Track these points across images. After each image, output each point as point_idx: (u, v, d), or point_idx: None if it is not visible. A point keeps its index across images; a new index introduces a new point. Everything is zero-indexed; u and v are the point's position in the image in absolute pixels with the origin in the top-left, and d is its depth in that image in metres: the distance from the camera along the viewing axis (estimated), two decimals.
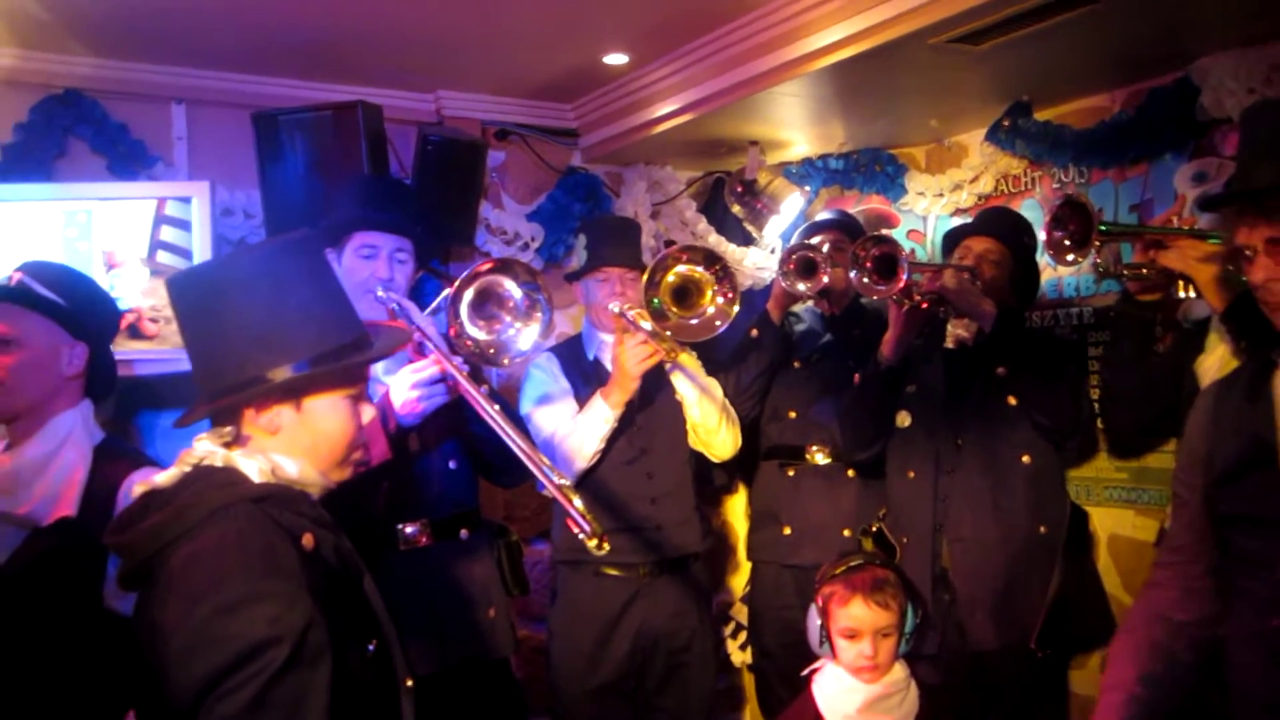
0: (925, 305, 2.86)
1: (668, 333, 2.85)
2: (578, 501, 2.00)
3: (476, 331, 2.65)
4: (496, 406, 2.28)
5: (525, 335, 2.67)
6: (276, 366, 1.58)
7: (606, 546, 1.99)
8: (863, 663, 2.41)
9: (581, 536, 1.99)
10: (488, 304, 2.68)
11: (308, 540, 1.53)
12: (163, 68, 3.35)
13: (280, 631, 1.38)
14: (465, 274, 2.62)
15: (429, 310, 2.76)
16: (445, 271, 3.67)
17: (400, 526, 2.67)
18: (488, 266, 2.67)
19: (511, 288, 2.66)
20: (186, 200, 3.16)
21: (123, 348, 3.01)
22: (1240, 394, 1.82)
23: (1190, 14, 2.64)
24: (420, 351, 2.54)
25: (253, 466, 1.56)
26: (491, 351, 2.65)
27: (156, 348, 3.19)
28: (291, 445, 1.63)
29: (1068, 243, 2.66)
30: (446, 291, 2.65)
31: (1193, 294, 2.52)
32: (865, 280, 2.83)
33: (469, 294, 2.62)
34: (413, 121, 3.66)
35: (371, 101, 3.36)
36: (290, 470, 1.61)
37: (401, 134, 3.58)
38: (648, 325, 2.86)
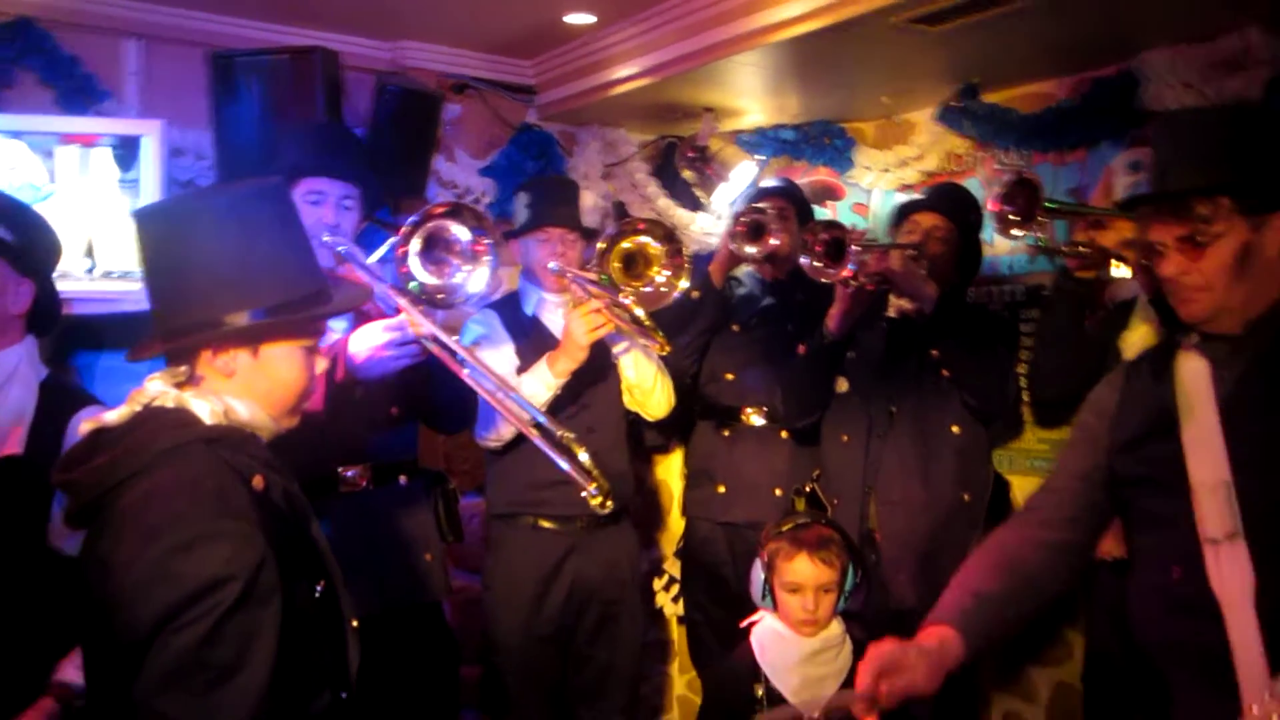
0: (871, 288, 2.96)
1: (632, 304, 2.89)
2: (584, 456, 2.02)
3: (426, 275, 2.67)
4: (467, 369, 2.32)
5: (475, 278, 2.68)
6: (236, 311, 1.58)
7: (610, 504, 2.03)
8: (803, 616, 2.50)
9: (587, 495, 2.02)
10: (435, 249, 2.69)
11: (258, 482, 1.55)
12: (118, 1, 3.29)
13: (234, 569, 1.41)
14: (413, 218, 2.63)
15: (376, 256, 2.78)
16: (393, 222, 3.67)
17: (341, 470, 2.71)
18: (438, 210, 2.68)
19: (459, 232, 2.67)
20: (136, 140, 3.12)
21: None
22: (1146, 372, 1.96)
23: (1136, 9, 2.77)
24: (371, 299, 2.57)
25: (205, 408, 1.58)
26: (440, 296, 2.68)
27: (97, 288, 3.16)
28: (245, 389, 1.63)
29: (1013, 217, 2.79)
30: (394, 238, 2.67)
31: (1126, 272, 2.65)
32: (815, 264, 2.91)
33: (417, 238, 2.65)
34: (370, 69, 3.65)
35: (330, 48, 3.35)
36: (242, 413, 1.62)
37: (358, 81, 3.57)
38: (591, 277, 2.91)
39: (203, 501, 1.46)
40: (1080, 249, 2.71)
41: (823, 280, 2.94)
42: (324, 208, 2.75)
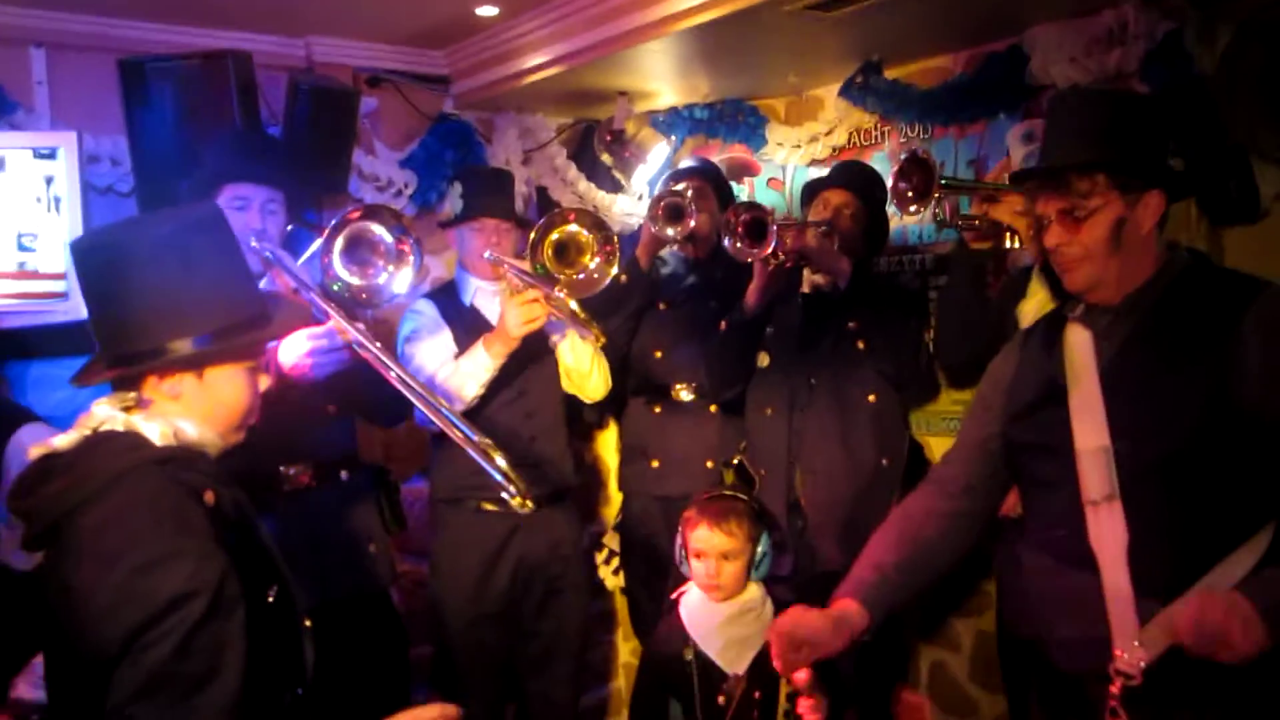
0: (789, 264, 3.07)
1: (558, 290, 2.95)
2: (501, 460, 2.10)
3: (350, 277, 2.73)
4: (394, 372, 2.38)
5: (399, 278, 2.76)
6: (180, 337, 1.64)
7: (530, 504, 2.12)
8: (706, 580, 2.65)
9: (507, 496, 2.11)
10: (358, 249, 2.75)
11: (209, 497, 1.61)
12: (19, 9, 3.24)
13: (197, 585, 1.47)
14: (334, 221, 2.68)
15: (302, 259, 2.83)
16: (318, 223, 3.69)
17: (283, 470, 2.78)
18: (357, 214, 2.74)
19: (381, 232, 2.74)
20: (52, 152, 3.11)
21: None
22: (1038, 343, 2.09)
23: None
24: (298, 297, 2.61)
25: (154, 430, 1.63)
26: (364, 296, 2.75)
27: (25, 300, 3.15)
28: (192, 410, 1.69)
29: (911, 194, 2.92)
30: (319, 241, 2.71)
31: (1019, 244, 2.79)
32: (738, 244, 3.03)
33: (340, 240, 2.70)
34: (283, 67, 3.63)
35: (241, 48, 3.33)
36: (191, 433, 1.67)
37: (271, 80, 3.55)
38: (526, 268, 2.99)
39: (161, 521, 1.52)
40: (975, 223, 2.85)
41: (746, 260, 3.05)
42: (249, 213, 2.79)
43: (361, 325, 2.51)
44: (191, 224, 1.70)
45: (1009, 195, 2.76)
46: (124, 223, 1.87)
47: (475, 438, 2.17)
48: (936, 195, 2.89)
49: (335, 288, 2.70)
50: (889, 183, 2.95)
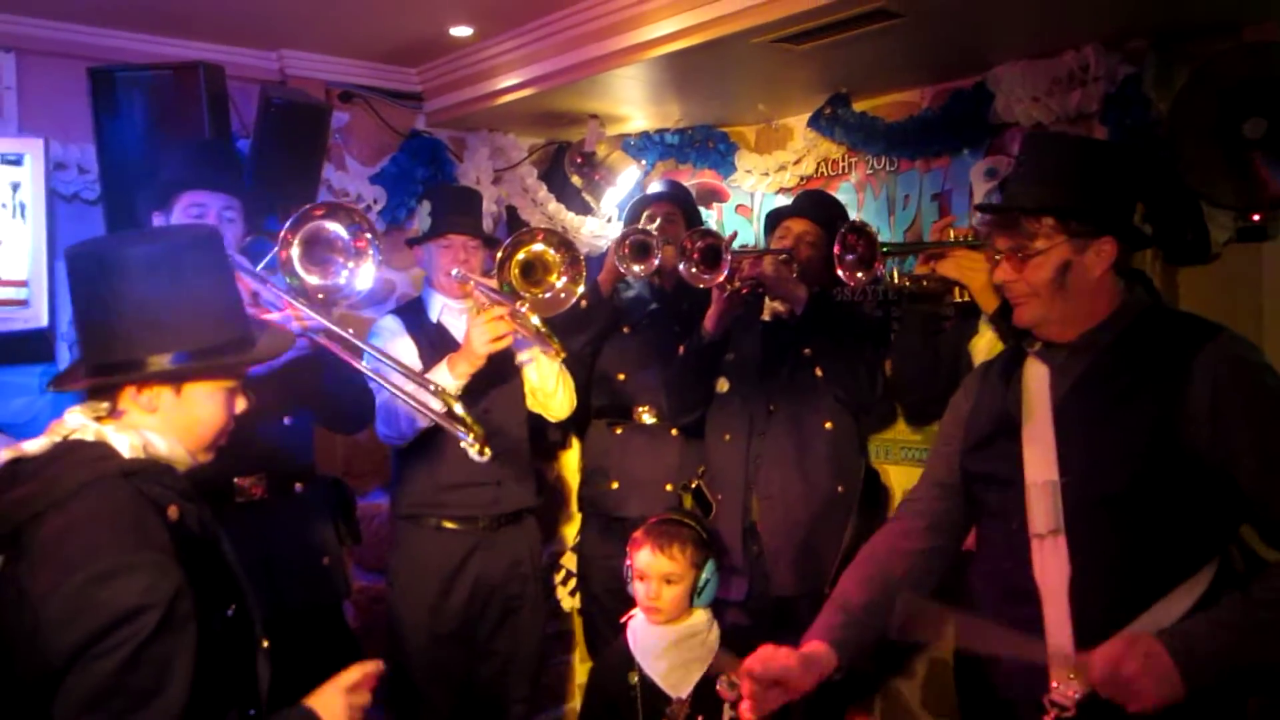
0: (745, 290, 3.11)
1: (521, 306, 2.97)
2: (458, 408, 2.10)
3: (311, 278, 2.73)
4: (363, 345, 2.40)
5: (362, 273, 2.76)
6: (161, 352, 1.65)
7: (489, 452, 2.11)
8: (646, 602, 2.68)
9: (464, 444, 2.10)
10: (316, 249, 2.75)
11: (173, 512, 1.62)
12: None
13: (152, 599, 1.48)
14: (288, 224, 2.68)
15: (261, 265, 2.83)
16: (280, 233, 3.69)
17: (236, 481, 2.77)
18: (315, 213, 2.74)
19: (337, 229, 2.75)
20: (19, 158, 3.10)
21: None
22: (996, 376, 2.14)
23: (986, 29, 2.93)
24: (257, 303, 2.61)
25: (124, 441, 1.65)
26: (321, 296, 2.73)
27: None
28: (166, 425, 1.71)
29: (855, 261, 2.99)
30: (278, 247, 2.71)
31: (967, 298, 2.84)
32: (692, 270, 3.07)
33: (296, 242, 2.69)
34: (255, 80, 3.64)
35: (213, 59, 3.34)
36: (161, 448, 1.69)
37: (243, 92, 3.56)
38: (493, 285, 3.00)
39: (121, 534, 1.53)
40: (924, 283, 2.92)
41: (699, 285, 3.09)
42: (206, 219, 2.80)
43: (317, 308, 2.52)
44: (187, 243, 1.73)
45: (954, 251, 2.81)
46: (121, 235, 1.88)
47: (432, 385, 2.17)
48: (880, 264, 2.98)
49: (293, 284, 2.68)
50: (835, 247, 2.99)
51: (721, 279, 3.03)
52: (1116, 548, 1.85)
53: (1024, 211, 1.94)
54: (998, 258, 2.00)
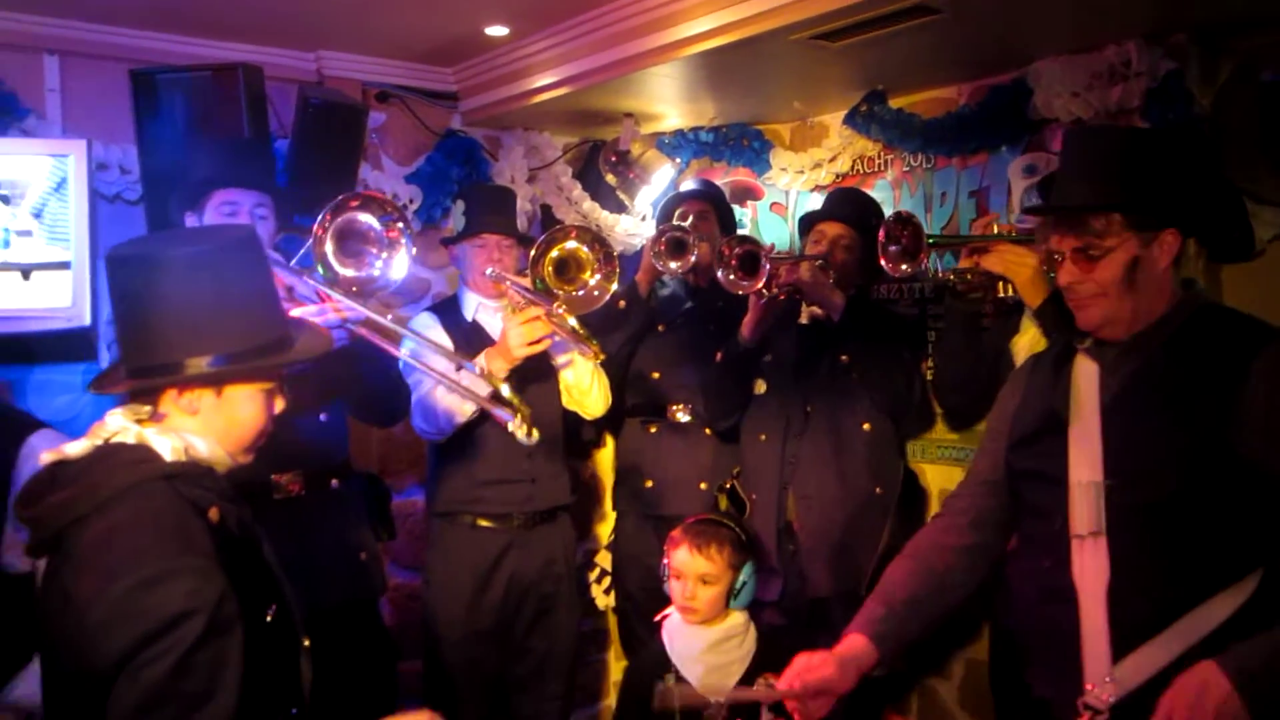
0: (783, 297, 3.10)
1: (557, 306, 2.97)
2: (505, 389, 2.07)
3: (346, 270, 2.73)
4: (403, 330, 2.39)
5: (396, 263, 2.76)
6: (200, 355, 1.65)
7: (536, 434, 2.08)
8: (682, 602, 2.67)
9: (512, 428, 2.07)
10: (350, 241, 2.76)
11: (214, 514, 1.62)
12: (34, 17, 3.28)
13: (197, 604, 1.48)
14: (319, 218, 2.69)
15: (294, 261, 2.85)
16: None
17: (274, 477, 2.80)
18: (349, 204, 2.74)
19: (369, 220, 2.75)
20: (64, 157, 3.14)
21: None
22: (1046, 371, 2.10)
23: (1025, 24, 2.89)
24: (292, 297, 2.63)
25: (166, 444, 1.64)
26: (354, 289, 2.73)
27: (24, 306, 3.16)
28: (206, 427, 1.71)
29: (901, 253, 2.95)
30: (310, 241, 2.73)
31: (1011, 293, 2.81)
32: (730, 277, 3.07)
33: (329, 237, 2.70)
34: (293, 80, 3.66)
35: (252, 61, 3.37)
36: (202, 450, 1.69)
37: (281, 92, 3.59)
38: (527, 285, 3.00)
39: (164, 539, 1.53)
40: (968, 276, 2.88)
41: (738, 293, 3.08)
42: (238, 219, 2.82)
43: (354, 296, 2.52)
44: (227, 244, 1.72)
45: (998, 245, 2.77)
46: (161, 236, 1.88)
47: (478, 368, 2.13)
48: (925, 254, 2.94)
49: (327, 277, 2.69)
50: (880, 236, 2.96)
51: (760, 286, 3.02)
52: (1158, 553, 1.81)
53: (1094, 210, 1.89)
54: (1058, 259, 1.95)
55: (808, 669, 1.96)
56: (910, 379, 3.13)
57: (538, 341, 2.97)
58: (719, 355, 3.27)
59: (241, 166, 2.93)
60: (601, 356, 3.11)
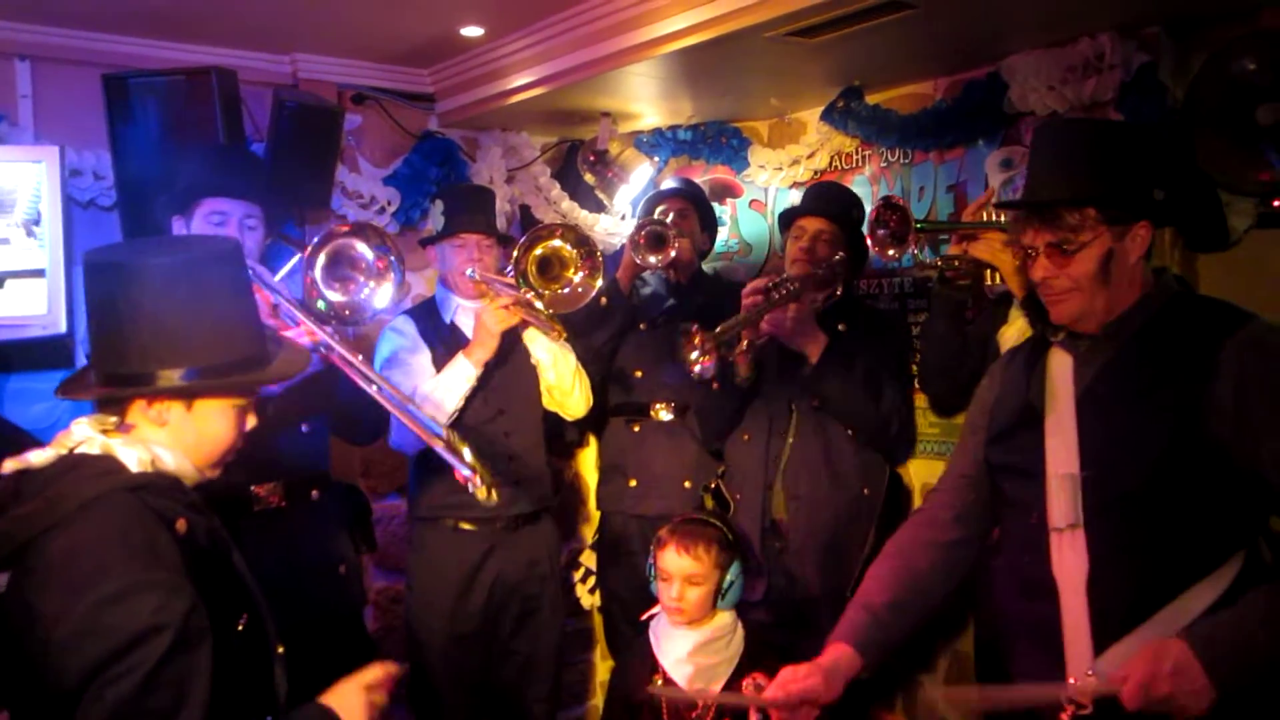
0: (763, 340, 3.07)
1: (533, 298, 2.97)
2: (467, 453, 2.07)
3: (332, 293, 2.75)
4: (372, 374, 2.38)
5: (380, 294, 2.79)
6: (173, 367, 1.63)
7: (495, 495, 2.11)
8: (669, 604, 2.66)
9: (472, 488, 2.09)
10: (340, 265, 2.78)
11: (181, 525, 1.60)
12: (5, 23, 3.24)
13: (164, 619, 1.46)
14: (317, 239, 2.72)
15: (281, 274, 2.84)
16: (299, 238, 3.70)
17: (254, 489, 2.77)
18: (342, 230, 2.78)
19: (363, 249, 2.78)
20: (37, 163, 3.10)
21: None
22: (1021, 365, 2.10)
23: (1000, 18, 2.89)
24: (276, 315, 2.62)
25: (132, 456, 1.62)
26: (347, 312, 2.77)
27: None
28: (175, 439, 1.69)
29: (889, 238, 2.96)
30: (298, 256, 2.73)
31: (999, 281, 2.81)
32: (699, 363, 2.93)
33: (321, 258, 2.73)
34: (268, 83, 3.64)
35: (226, 64, 3.35)
36: (169, 462, 1.67)
37: (256, 95, 3.56)
38: (510, 283, 3.01)
39: (130, 553, 1.51)
40: (955, 263, 2.88)
41: (730, 358, 3.05)
42: (227, 229, 2.80)
43: (330, 329, 2.51)
44: (207, 257, 1.70)
45: (986, 233, 2.77)
46: (140, 243, 1.85)
47: (440, 433, 2.13)
48: (913, 239, 2.95)
49: (319, 305, 2.72)
50: (866, 227, 2.95)
51: (744, 346, 3.02)
52: (1136, 543, 1.82)
53: (1068, 205, 1.88)
54: (1031, 253, 1.95)
55: (793, 680, 1.96)
56: (887, 419, 3.08)
57: (509, 307, 2.99)
58: (715, 385, 3.18)
59: (232, 175, 2.89)
60: (564, 335, 3.05)
